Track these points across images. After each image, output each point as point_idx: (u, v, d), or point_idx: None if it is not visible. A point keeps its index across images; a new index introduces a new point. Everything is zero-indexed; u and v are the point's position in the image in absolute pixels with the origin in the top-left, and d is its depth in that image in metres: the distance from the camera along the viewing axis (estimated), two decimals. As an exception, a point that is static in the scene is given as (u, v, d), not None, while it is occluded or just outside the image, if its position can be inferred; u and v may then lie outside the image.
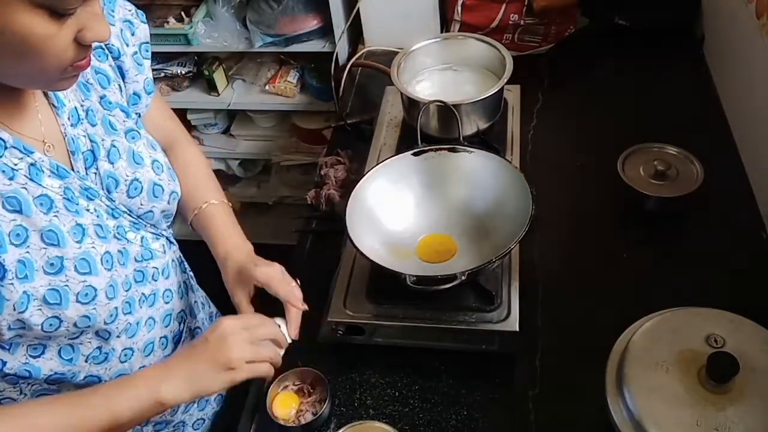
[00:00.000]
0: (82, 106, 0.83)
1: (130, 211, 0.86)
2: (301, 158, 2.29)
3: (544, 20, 1.64)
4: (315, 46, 1.93)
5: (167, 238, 0.96)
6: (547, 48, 1.68)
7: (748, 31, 1.31)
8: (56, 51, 0.65)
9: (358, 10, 1.74)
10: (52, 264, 0.74)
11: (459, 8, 1.65)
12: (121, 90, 0.90)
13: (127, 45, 0.89)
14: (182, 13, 2.01)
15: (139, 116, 0.94)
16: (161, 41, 2.00)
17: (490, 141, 1.33)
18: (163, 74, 2.13)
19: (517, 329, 1.02)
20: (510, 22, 1.64)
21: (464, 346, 1.06)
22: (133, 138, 0.88)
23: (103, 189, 0.82)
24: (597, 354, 0.92)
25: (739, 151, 1.35)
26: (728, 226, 1.23)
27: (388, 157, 1.19)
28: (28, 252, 0.72)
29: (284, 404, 1.02)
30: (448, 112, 1.25)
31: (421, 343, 1.08)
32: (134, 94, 0.92)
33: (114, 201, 0.84)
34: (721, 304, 0.93)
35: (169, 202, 0.91)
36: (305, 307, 0.94)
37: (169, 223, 0.97)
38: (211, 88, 2.14)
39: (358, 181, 1.14)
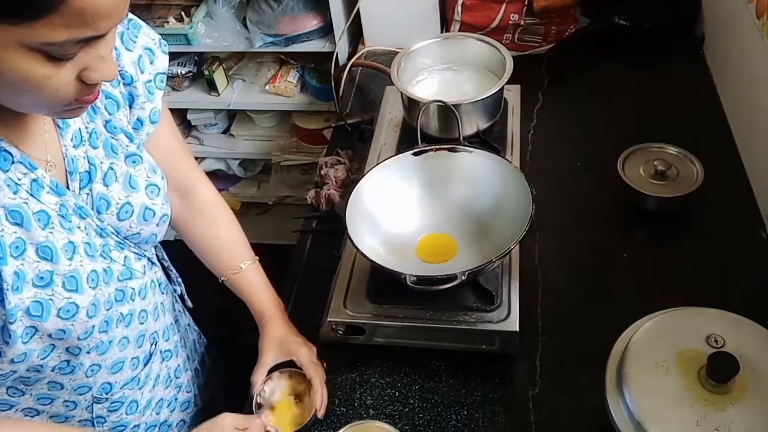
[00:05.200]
0: (86, 128, 0.83)
1: (117, 232, 0.86)
2: (301, 158, 2.29)
3: (544, 20, 1.64)
4: (315, 46, 1.93)
5: (149, 258, 0.96)
6: (547, 48, 1.68)
7: (748, 31, 1.31)
8: (56, 89, 0.64)
9: (358, 10, 1.74)
10: (41, 278, 0.75)
11: (459, 8, 1.65)
12: (127, 116, 0.90)
13: (142, 72, 0.89)
14: (182, 13, 2.01)
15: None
16: (161, 41, 2.00)
17: (490, 141, 1.32)
18: (163, 74, 2.12)
19: (517, 329, 1.02)
20: (510, 22, 1.64)
21: (464, 346, 1.06)
22: (133, 162, 0.88)
23: (93, 209, 0.83)
24: (597, 354, 0.92)
25: (739, 151, 1.35)
26: (728, 226, 1.23)
27: (388, 157, 1.19)
28: (23, 264, 0.73)
29: (281, 417, 1.01)
30: (448, 112, 1.25)
31: (421, 343, 1.08)
32: (138, 120, 0.91)
33: (103, 221, 0.84)
34: (721, 304, 0.93)
35: (158, 225, 0.92)
36: (325, 398, 1.02)
37: (154, 245, 0.97)
38: (211, 88, 2.14)
39: (358, 181, 1.14)
